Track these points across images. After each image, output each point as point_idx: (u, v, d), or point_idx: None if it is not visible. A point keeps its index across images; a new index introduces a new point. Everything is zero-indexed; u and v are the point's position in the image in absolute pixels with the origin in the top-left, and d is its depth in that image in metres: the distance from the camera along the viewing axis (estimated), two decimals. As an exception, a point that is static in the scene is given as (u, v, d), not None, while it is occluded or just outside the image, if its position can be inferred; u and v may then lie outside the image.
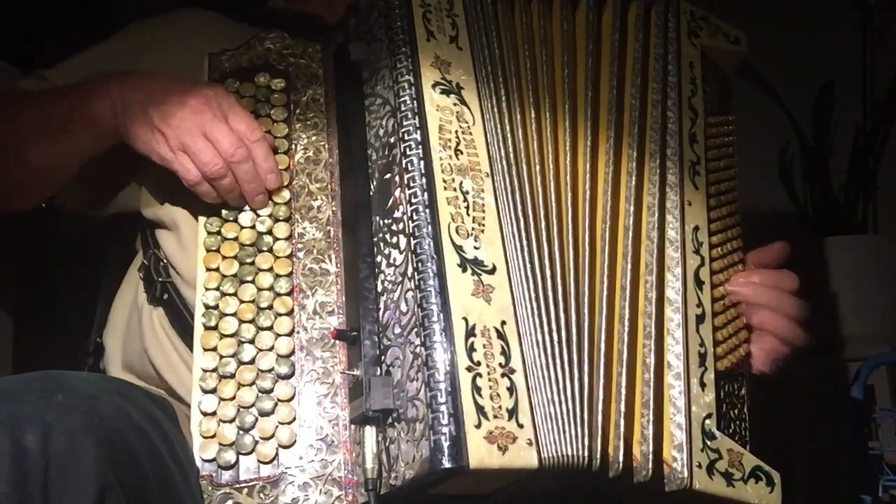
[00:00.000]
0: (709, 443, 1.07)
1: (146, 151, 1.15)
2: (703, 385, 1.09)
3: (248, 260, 1.15)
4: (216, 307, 1.12)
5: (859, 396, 2.02)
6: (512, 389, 0.97)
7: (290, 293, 1.13)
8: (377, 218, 1.08)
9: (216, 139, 1.12)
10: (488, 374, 0.97)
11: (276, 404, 1.08)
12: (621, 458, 1.02)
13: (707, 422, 1.08)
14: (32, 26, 1.94)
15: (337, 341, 1.10)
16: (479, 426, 0.94)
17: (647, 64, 1.24)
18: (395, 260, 1.04)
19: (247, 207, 1.17)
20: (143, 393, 1.11)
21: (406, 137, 1.06)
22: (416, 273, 1.01)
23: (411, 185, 1.04)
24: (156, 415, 1.05)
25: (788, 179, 2.67)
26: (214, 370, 1.10)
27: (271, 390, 1.09)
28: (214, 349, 1.10)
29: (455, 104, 1.09)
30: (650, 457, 1.04)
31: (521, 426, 0.96)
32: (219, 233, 1.16)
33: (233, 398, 1.08)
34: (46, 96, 1.26)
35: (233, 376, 1.09)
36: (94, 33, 1.39)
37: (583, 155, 1.15)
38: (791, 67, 2.66)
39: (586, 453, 1.00)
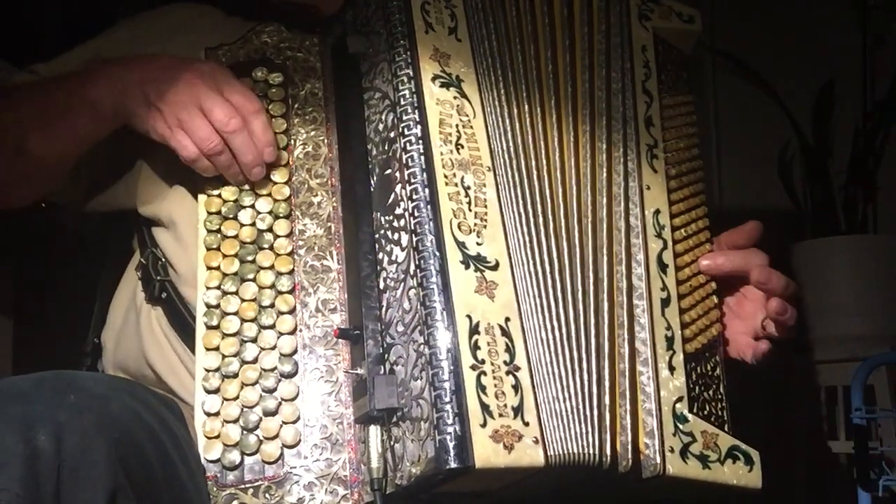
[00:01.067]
0: (681, 426, 1.06)
1: (145, 129, 1.16)
2: (671, 369, 1.09)
3: (249, 258, 1.14)
4: (218, 306, 1.11)
5: (859, 396, 2.01)
6: (517, 387, 0.96)
7: (291, 291, 1.12)
8: (378, 214, 1.08)
9: (210, 110, 1.12)
10: (493, 371, 0.96)
11: (279, 403, 1.07)
12: (608, 451, 1.01)
13: (678, 405, 1.07)
14: (31, 23, 1.94)
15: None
16: (484, 425, 0.93)
17: (610, 53, 1.23)
18: (396, 257, 1.04)
19: (247, 204, 1.16)
20: (152, 393, 1.10)
21: (406, 132, 1.05)
22: (418, 270, 1.00)
23: (412, 180, 1.03)
24: (164, 415, 1.05)
25: (788, 179, 2.68)
26: (217, 370, 1.09)
27: (275, 389, 1.08)
28: (217, 348, 1.10)
29: (455, 97, 1.08)
30: (629, 447, 1.03)
31: (526, 424, 0.95)
32: (219, 230, 1.15)
33: (236, 398, 1.08)
34: (43, 85, 1.26)
35: (236, 376, 1.09)
36: (94, 30, 1.39)
37: (567, 149, 1.15)
38: (791, 67, 2.66)
39: (591, 450, 1.00)
